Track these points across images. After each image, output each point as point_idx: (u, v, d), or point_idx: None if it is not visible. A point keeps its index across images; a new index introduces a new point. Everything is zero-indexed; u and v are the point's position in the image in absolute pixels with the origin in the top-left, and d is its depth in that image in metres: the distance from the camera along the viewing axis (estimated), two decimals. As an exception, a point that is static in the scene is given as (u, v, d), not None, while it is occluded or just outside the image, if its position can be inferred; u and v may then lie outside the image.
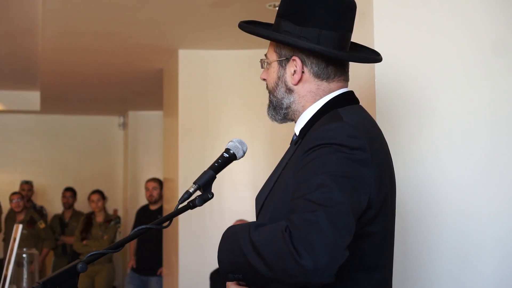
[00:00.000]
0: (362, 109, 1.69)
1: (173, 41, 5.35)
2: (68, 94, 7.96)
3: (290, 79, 1.66)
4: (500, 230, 2.31)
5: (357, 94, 1.72)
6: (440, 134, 2.34)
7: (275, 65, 1.69)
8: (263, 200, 1.67)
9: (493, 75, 2.36)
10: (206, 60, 5.57)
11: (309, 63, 1.64)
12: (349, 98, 1.68)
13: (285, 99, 1.68)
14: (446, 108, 2.35)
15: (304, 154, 1.51)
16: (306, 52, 1.63)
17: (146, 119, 9.21)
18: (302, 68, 1.64)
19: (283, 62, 1.67)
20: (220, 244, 1.55)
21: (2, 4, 4.54)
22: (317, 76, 1.65)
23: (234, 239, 1.51)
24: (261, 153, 5.39)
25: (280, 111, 1.70)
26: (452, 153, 2.34)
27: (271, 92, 1.71)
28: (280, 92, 1.68)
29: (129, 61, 6.09)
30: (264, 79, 1.75)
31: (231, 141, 1.76)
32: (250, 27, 1.73)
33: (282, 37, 1.63)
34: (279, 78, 1.68)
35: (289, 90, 1.67)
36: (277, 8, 1.71)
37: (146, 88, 7.34)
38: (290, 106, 1.68)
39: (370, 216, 1.52)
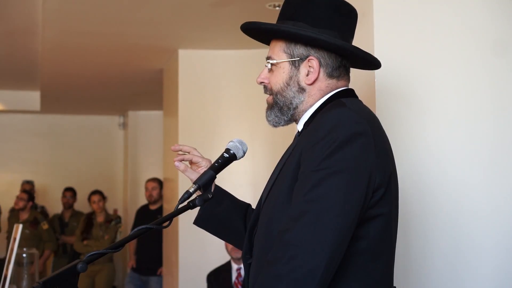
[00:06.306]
0: (362, 102, 1.70)
1: (173, 41, 5.35)
2: (68, 94, 7.95)
3: (304, 79, 1.64)
4: (501, 228, 2.32)
5: (357, 94, 1.72)
6: (441, 134, 2.34)
7: (285, 66, 1.65)
8: (266, 196, 1.66)
9: (493, 75, 2.36)
10: (206, 60, 5.56)
11: (325, 63, 1.64)
12: (351, 92, 1.69)
13: (295, 99, 1.65)
14: (446, 107, 2.35)
15: (310, 149, 1.49)
16: (321, 53, 1.63)
17: (146, 119, 9.20)
18: (319, 68, 1.63)
19: (296, 62, 1.64)
20: None
21: (2, 4, 4.54)
22: (330, 75, 1.65)
23: None
24: (261, 153, 5.39)
25: (288, 112, 1.67)
26: (453, 153, 2.34)
27: (279, 93, 1.67)
28: (291, 91, 1.65)
29: (129, 61, 6.08)
30: (262, 82, 1.70)
31: (231, 141, 1.76)
32: (266, 25, 1.67)
33: (317, 34, 1.59)
34: (290, 78, 1.65)
35: (301, 90, 1.65)
36: (277, 8, 1.70)
37: (146, 88, 7.34)
38: (298, 106, 1.66)
39: (376, 198, 1.50)
